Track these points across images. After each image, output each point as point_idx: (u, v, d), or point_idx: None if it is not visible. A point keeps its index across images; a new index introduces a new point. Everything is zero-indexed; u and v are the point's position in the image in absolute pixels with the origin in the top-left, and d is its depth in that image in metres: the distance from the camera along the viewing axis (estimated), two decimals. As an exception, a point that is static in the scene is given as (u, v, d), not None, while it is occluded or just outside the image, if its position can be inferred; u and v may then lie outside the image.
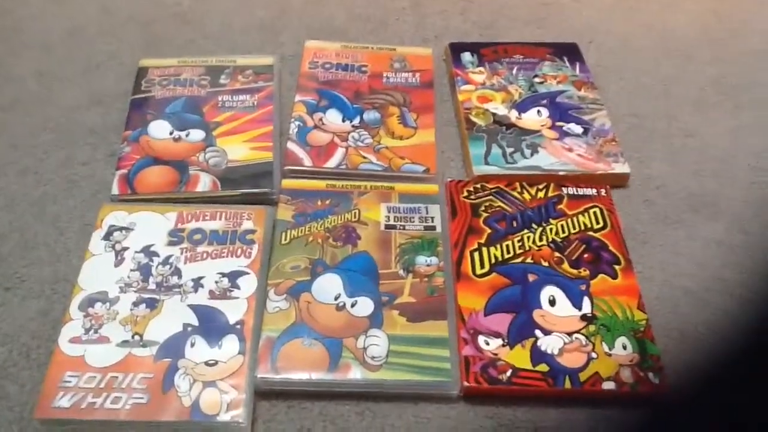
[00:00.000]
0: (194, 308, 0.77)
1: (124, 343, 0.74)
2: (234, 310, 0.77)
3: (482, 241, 0.84)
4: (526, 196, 0.88)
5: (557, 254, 0.83)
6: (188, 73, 1.02)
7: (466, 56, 1.07)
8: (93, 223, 0.84)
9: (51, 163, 0.93)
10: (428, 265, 0.81)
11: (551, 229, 0.85)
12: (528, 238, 0.84)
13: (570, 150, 0.94)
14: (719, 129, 1.01)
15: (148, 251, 0.81)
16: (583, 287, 0.80)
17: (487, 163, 0.92)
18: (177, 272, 0.80)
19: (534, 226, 0.85)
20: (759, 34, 1.16)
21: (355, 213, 0.86)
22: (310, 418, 0.72)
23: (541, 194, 0.88)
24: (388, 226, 0.85)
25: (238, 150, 0.92)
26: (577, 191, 0.89)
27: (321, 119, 0.97)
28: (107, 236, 0.83)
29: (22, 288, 0.81)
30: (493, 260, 0.82)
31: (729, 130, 1.00)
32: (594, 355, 0.74)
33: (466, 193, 0.88)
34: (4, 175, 0.91)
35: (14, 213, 0.88)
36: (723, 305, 0.81)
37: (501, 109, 0.99)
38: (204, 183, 0.89)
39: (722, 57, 1.12)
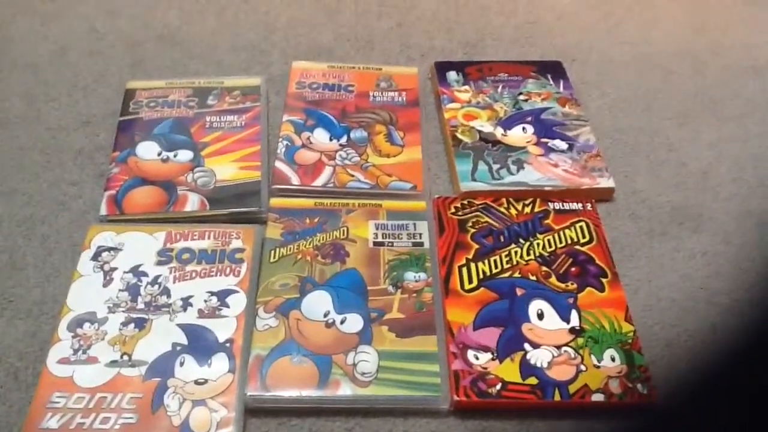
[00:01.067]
0: (183, 327, 0.77)
1: (113, 363, 0.73)
2: (223, 329, 0.77)
3: (470, 256, 0.84)
4: (513, 211, 0.89)
5: (544, 268, 0.83)
6: (176, 94, 1.03)
7: (452, 75, 1.08)
8: (81, 243, 0.84)
9: (39, 184, 0.93)
10: (417, 281, 0.82)
11: (538, 244, 0.86)
12: (515, 252, 0.85)
13: (555, 166, 0.95)
14: (701, 142, 1.02)
15: (136, 271, 0.82)
16: (571, 300, 0.80)
17: (473, 180, 0.93)
18: (166, 292, 0.80)
19: (521, 240, 0.86)
20: (738, 48, 1.18)
21: (343, 230, 0.86)
22: (301, 435, 0.72)
23: (527, 209, 0.89)
24: (376, 243, 0.85)
25: (227, 170, 0.93)
26: (563, 206, 0.90)
27: (308, 138, 0.97)
28: (96, 257, 0.83)
29: (10, 308, 0.80)
30: (481, 275, 0.82)
31: (711, 143, 1.02)
32: (583, 367, 0.75)
33: (453, 210, 0.89)
34: (-8, 196, 0.92)
35: (2, 234, 0.87)
36: (708, 315, 0.82)
37: (487, 127, 1.00)
38: (192, 203, 0.89)
39: (703, 71, 1.14)
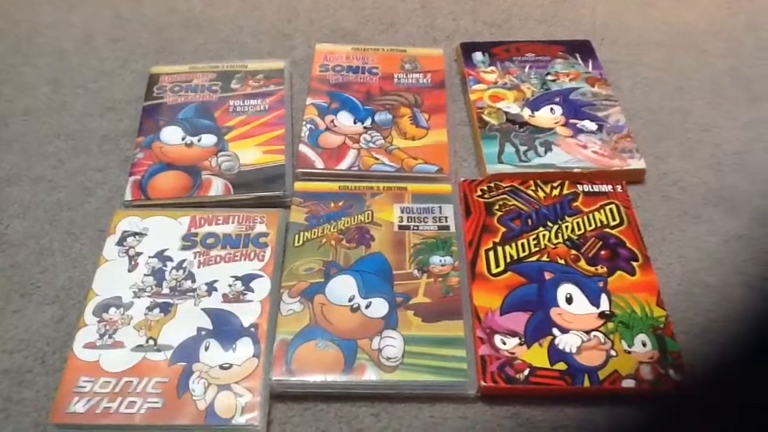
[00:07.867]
0: (208, 312, 0.76)
1: (139, 348, 0.74)
2: (248, 313, 0.76)
3: (497, 240, 0.83)
4: (541, 194, 0.87)
5: (573, 252, 0.81)
6: (199, 79, 1.02)
7: (478, 56, 1.06)
8: (107, 229, 0.84)
9: (65, 171, 0.93)
10: (443, 265, 0.80)
11: (567, 227, 0.84)
12: (543, 236, 0.83)
13: (584, 147, 0.93)
14: (735, 122, 0.99)
15: (161, 256, 0.81)
16: (601, 284, 0.78)
17: (500, 162, 0.91)
18: (191, 276, 0.80)
19: (549, 224, 0.84)
20: (773, 26, 1.15)
21: (368, 214, 0.85)
22: (326, 420, 0.71)
23: (555, 192, 0.88)
24: (401, 227, 0.84)
25: (251, 154, 0.92)
26: (592, 188, 0.88)
27: (332, 121, 0.96)
28: (121, 242, 0.83)
29: (37, 294, 0.81)
30: (508, 259, 0.81)
31: (745, 124, 0.99)
32: (613, 352, 0.73)
33: (479, 192, 0.88)
34: (19, 182, 0.92)
35: (29, 220, 0.88)
36: (743, 300, 0.80)
37: (513, 108, 0.98)
38: (216, 187, 0.89)
39: (736, 50, 1.11)
